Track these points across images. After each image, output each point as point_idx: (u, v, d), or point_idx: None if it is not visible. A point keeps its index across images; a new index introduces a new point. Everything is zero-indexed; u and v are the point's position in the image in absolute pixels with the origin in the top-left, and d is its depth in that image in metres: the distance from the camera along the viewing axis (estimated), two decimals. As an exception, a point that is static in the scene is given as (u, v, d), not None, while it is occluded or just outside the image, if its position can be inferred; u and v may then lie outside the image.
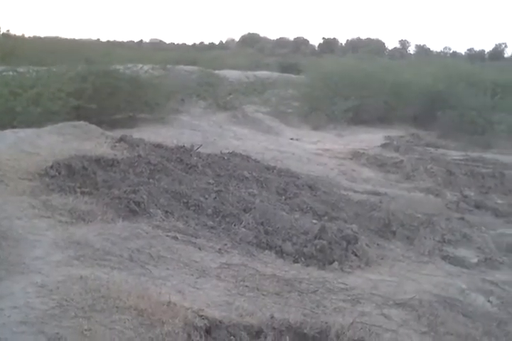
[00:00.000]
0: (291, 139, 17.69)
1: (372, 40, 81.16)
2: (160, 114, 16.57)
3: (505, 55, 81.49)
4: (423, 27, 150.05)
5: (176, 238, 6.62)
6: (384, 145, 17.27)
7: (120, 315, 4.40)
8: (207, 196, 8.45)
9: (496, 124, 21.58)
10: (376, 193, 12.07)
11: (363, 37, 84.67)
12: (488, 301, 6.76)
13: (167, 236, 6.62)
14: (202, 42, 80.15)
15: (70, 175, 8.09)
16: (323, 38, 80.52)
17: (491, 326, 5.87)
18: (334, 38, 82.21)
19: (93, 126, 11.25)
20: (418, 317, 5.70)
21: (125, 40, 66.10)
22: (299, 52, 68.68)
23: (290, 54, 62.21)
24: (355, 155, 15.61)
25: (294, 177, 11.24)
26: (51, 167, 8.10)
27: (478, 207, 12.27)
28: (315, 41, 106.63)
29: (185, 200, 8.04)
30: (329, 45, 75.26)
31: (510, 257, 9.44)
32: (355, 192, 11.87)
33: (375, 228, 9.47)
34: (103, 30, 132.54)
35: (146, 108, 16.54)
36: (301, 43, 78.66)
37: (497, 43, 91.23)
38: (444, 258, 8.75)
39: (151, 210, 7.33)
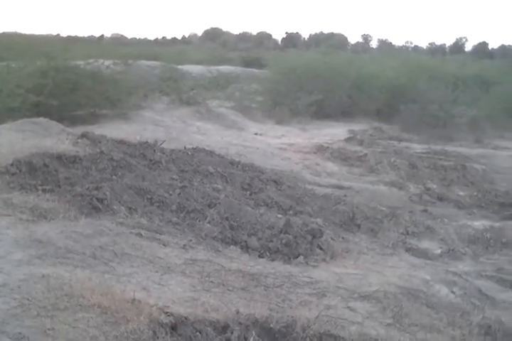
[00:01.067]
0: (255, 134, 17.68)
1: (335, 34, 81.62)
2: (122, 110, 16.37)
3: (466, 49, 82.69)
4: (385, 21, 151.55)
5: (140, 235, 6.55)
6: (348, 139, 17.38)
7: (84, 313, 4.33)
8: (171, 192, 8.38)
9: (457, 117, 21.88)
10: (340, 187, 12.14)
11: (326, 31, 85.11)
12: (452, 292, 6.84)
13: (131, 233, 6.55)
14: (164, 37, 79.70)
15: (31, 173, 7.94)
16: (286, 33, 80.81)
17: (455, 316, 5.93)
18: (297, 33, 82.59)
19: (54, 123, 11.08)
20: (383, 309, 5.74)
21: (86, 35, 65.31)
22: (262, 46, 68.75)
23: (253, 48, 62.22)
24: (320, 150, 15.66)
25: (259, 172, 11.23)
26: (11, 164, 7.94)
27: (440, 199, 12.44)
28: (278, 36, 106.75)
29: (149, 196, 7.96)
30: (292, 40, 75.48)
31: (473, 248, 9.59)
32: (320, 186, 11.92)
33: (339, 221, 9.52)
34: (63, 25, 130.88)
35: (107, 104, 16.33)
36: (264, 38, 78.71)
37: (458, 37, 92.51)
38: (408, 250, 8.85)
39: (115, 207, 7.24)
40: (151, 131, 13.96)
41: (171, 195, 8.27)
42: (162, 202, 7.94)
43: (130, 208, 7.40)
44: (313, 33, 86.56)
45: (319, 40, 72.41)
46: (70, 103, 15.26)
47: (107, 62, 17.69)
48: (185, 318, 4.59)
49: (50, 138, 10.09)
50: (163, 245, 6.49)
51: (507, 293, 7.49)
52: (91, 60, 17.21)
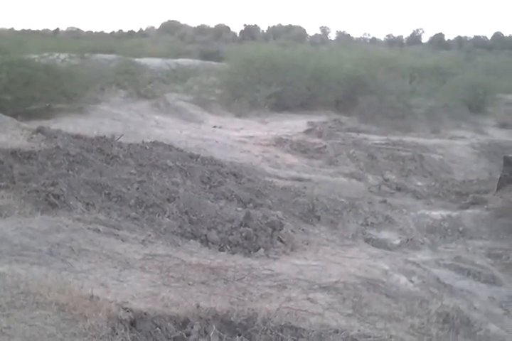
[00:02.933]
0: (215, 127, 17.60)
1: (294, 26, 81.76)
2: (78, 104, 16.12)
3: (423, 41, 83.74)
4: (343, 14, 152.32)
5: (97, 230, 6.46)
6: (307, 132, 17.42)
7: (41, 310, 4.25)
8: (129, 187, 8.29)
9: (414, 108, 22.13)
10: (300, 179, 12.18)
11: (284, 23, 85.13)
12: (410, 281, 6.92)
13: (88, 228, 6.45)
14: (121, 30, 78.85)
15: (-15, 169, 7.78)
16: (245, 25, 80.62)
17: (414, 305, 6.00)
18: (255, 25, 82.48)
19: (8, 118, 10.87)
20: (343, 300, 5.77)
21: (41, 29, 64.31)
22: (221, 39, 68.51)
23: (211, 41, 61.95)
24: (279, 142, 15.68)
25: (218, 165, 11.19)
26: (-36, 161, 7.77)
27: (399, 189, 12.59)
28: (236, 28, 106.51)
29: (106, 191, 7.86)
30: (250, 32, 75.39)
31: (431, 237, 9.73)
32: (280, 178, 11.94)
33: (299, 213, 9.55)
34: (17, 19, 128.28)
35: (63, 98, 16.06)
36: (222, 30, 78.39)
37: (415, 29, 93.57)
38: (368, 240, 8.94)
39: (71, 203, 7.13)
40: (108, 125, 13.78)
41: (129, 189, 8.17)
42: (120, 197, 7.85)
43: (87, 204, 7.29)
44: (271, 25, 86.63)
45: (278, 33, 72.52)
46: (25, 97, 14.99)
47: (62, 56, 17.41)
48: (145, 314, 4.54)
49: (4, 133, 9.88)
50: (122, 240, 6.42)
51: (464, 281, 7.63)
52: (46, 54, 16.90)
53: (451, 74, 28.55)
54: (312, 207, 9.85)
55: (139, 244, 6.46)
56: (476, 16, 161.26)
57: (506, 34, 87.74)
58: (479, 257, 8.70)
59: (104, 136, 10.92)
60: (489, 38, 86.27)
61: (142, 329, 4.41)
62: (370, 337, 5.00)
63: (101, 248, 6.02)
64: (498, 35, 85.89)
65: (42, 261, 5.37)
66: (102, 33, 72.02)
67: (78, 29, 72.84)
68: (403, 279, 6.91)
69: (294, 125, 18.63)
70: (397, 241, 9.33)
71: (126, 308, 4.50)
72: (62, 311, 4.29)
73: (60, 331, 4.04)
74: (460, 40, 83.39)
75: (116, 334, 4.16)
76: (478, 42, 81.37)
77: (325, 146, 15.35)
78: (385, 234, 9.62)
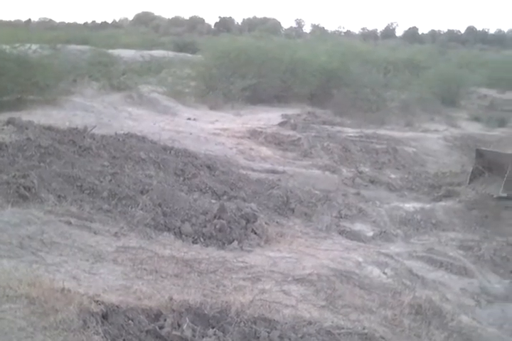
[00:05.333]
0: (189, 119, 17.49)
1: (269, 19, 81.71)
2: (50, 96, 15.86)
3: (397, 34, 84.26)
4: (318, 6, 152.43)
5: (69, 223, 6.40)
6: (281, 124, 17.37)
7: (10, 304, 4.19)
8: (102, 179, 8.21)
9: (388, 101, 22.23)
10: (274, 171, 12.17)
11: (259, 16, 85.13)
12: (384, 273, 6.96)
13: (60, 221, 6.38)
14: (94, 21, 78.03)
15: (-46, 161, 7.66)
16: (220, 17, 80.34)
17: (387, 297, 6.04)
18: (230, 17, 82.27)
19: (-22, 109, 10.71)
20: (317, 292, 5.79)
21: (12, 20, 63.44)
22: (195, 31, 68.26)
23: (186, 33, 61.66)
24: (253, 134, 15.63)
25: (192, 157, 11.13)
26: None
27: (372, 182, 12.64)
28: (211, 20, 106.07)
29: (78, 184, 7.77)
30: (225, 24, 75.15)
31: (404, 230, 9.80)
32: (254, 170, 11.92)
33: (273, 206, 9.55)
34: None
35: (35, 89, 15.78)
36: (196, 22, 78.07)
37: (389, 23, 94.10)
38: (341, 233, 8.97)
39: (43, 195, 7.05)
40: (81, 117, 13.61)
41: (101, 181, 8.09)
42: (93, 189, 7.77)
43: (59, 196, 7.21)
44: (246, 17, 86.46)
45: (253, 25, 72.40)
46: (-5, 88, 14.74)
47: (34, 47, 17.14)
48: (117, 307, 4.51)
49: (-26, 124, 9.74)
50: (94, 233, 6.37)
51: (436, 273, 7.70)
52: (17, 45, 16.61)
53: (424, 68, 28.74)
54: (286, 200, 9.86)
55: (112, 237, 6.41)
56: (449, 10, 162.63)
57: (479, 28, 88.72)
58: (451, 249, 8.77)
59: (77, 128, 10.80)
60: (463, 31, 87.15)
61: (114, 322, 4.37)
62: (343, 328, 5.03)
63: (73, 241, 5.97)
64: (471, 29, 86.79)
65: (12, 254, 5.30)
66: (74, 23, 71.15)
67: (50, 20, 72.10)
68: (376, 271, 6.96)
69: (268, 117, 18.58)
70: (371, 233, 9.38)
71: (97, 301, 4.46)
72: (32, 304, 4.23)
73: (31, 324, 3.99)
74: (434, 34, 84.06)
75: (88, 327, 4.12)
76: (452, 36, 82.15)
77: (299, 139, 15.33)
78: (358, 226, 9.66)
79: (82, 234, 6.23)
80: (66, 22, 73.08)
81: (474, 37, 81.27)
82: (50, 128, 10.44)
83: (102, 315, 4.36)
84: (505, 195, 10.78)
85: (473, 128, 20.45)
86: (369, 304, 5.75)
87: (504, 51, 56.11)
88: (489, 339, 5.90)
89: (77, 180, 7.87)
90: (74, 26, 62.72)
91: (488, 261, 8.42)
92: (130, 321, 4.44)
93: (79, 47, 26.30)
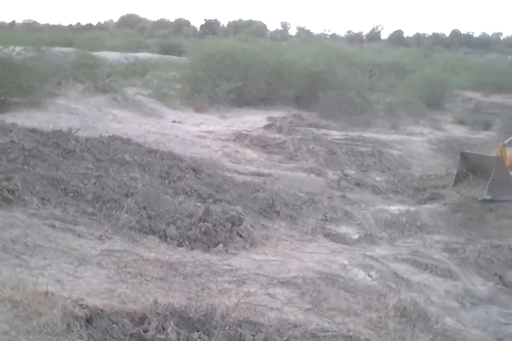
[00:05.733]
0: (174, 122, 17.46)
1: (254, 21, 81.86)
2: (35, 98, 15.76)
3: (382, 37, 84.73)
4: (303, 9, 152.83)
5: (53, 226, 6.34)
6: (267, 127, 17.39)
7: (-6, 308, 4.16)
8: (86, 181, 8.15)
9: (374, 104, 22.32)
10: (260, 174, 12.17)
11: (245, 18, 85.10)
12: (369, 275, 6.97)
13: (44, 224, 6.33)
14: (79, 23, 77.86)
15: None
16: (205, 19, 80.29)
17: (372, 299, 6.05)
18: (216, 20, 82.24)
19: (-39, 112, 10.63)
20: (302, 295, 5.79)
21: (-4, 22, 63.10)
22: (181, 33, 68.24)
23: (171, 35, 61.61)
24: (239, 137, 15.63)
25: (178, 160, 11.10)
26: None
27: (358, 184, 12.67)
28: (197, 22, 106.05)
29: (63, 186, 7.72)
30: (211, 27, 75.13)
31: (389, 232, 9.82)
32: (240, 173, 11.91)
33: (259, 209, 9.54)
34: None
35: (19, 91, 15.68)
36: (182, 24, 78.03)
37: (374, 26, 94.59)
38: (327, 235, 8.97)
39: (27, 198, 6.98)
40: (65, 120, 13.54)
41: (86, 184, 8.04)
42: (77, 192, 7.72)
43: (43, 199, 7.15)
44: (232, 20, 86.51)
45: (238, 27, 72.41)
46: (-21, 91, 14.65)
47: (18, 49, 17.02)
48: (101, 310, 4.48)
49: (-43, 127, 9.66)
50: (78, 236, 6.32)
51: (421, 275, 7.72)
52: (1, 47, 16.50)
53: (409, 71, 28.90)
54: (272, 202, 9.85)
55: (96, 240, 6.36)
56: (434, 14, 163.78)
57: (464, 31, 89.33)
58: (436, 251, 8.80)
59: (61, 130, 10.72)
60: (447, 35, 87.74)
61: (98, 326, 4.35)
62: (328, 331, 5.02)
63: (57, 244, 5.92)
64: (456, 33, 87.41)
65: (-5, 258, 5.25)
66: (59, 25, 70.82)
67: (35, 22, 71.77)
68: (361, 274, 6.96)
69: (254, 120, 18.60)
70: (356, 236, 9.40)
71: (81, 305, 4.42)
72: (16, 308, 4.20)
73: (14, 328, 3.96)
74: (419, 37, 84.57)
75: (72, 331, 4.09)
76: (437, 39, 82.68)
77: (285, 141, 15.35)
78: (344, 229, 9.67)
79: (66, 237, 6.18)
80: (51, 24, 72.80)
81: (459, 40, 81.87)
82: (34, 131, 10.36)
83: (86, 318, 4.33)
84: (489, 197, 10.84)
85: (458, 131, 20.59)
86: (354, 307, 5.76)
87: (489, 54, 56.63)
88: (473, 342, 5.92)
89: (61, 182, 7.81)
90: (59, 28, 62.45)
91: (472, 263, 8.45)
92: (114, 325, 4.41)
93: (63, 49, 26.20)
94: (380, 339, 5.21)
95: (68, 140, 10.14)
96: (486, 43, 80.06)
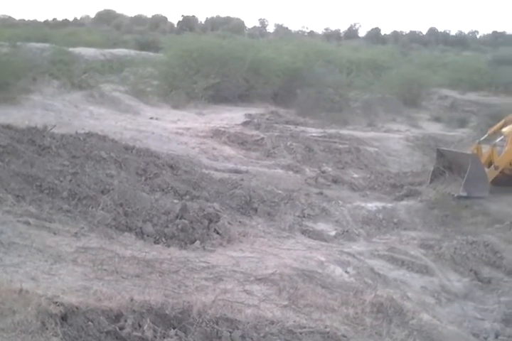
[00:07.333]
0: (151, 118, 17.39)
1: (232, 18, 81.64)
2: (10, 94, 15.59)
3: (360, 35, 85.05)
4: (281, 6, 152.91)
5: (28, 223, 6.27)
6: (245, 124, 17.38)
7: (-34, 306, 4.10)
8: (62, 178, 8.07)
9: (351, 101, 22.39)
10: (237, 171, 12.16)
11: (223, 15, 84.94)
12: (346, 272, 6.99)
13: (18, 221, 6.26)
14: (55, 19, 77.00)
15: None
16: (183, 16, 79.83)
17: (349, 296, 6.07)
18: (193, 16, 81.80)
19: None
20: (279, 291, 5.79)
21: (-30, 17, 62.33)
22: (158, 29, 67.84)
23: (148, 31, 61.28)
24: (216, 134, 15.60)
25: (154, 156, 11.02)
26: None
27: (335, 181, 12.70)
28: (174, 19, 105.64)
29: (38, 183, 7.63)
30: (189, 23, 74.64)
31: (366, 229, 9.86)
32: (217, 170, 11.89)
33: (236, 206, 9.53)
34: None
35: (-7, 87, 15.56)
36: (159, 21, 77.59)
37: (352, 23, 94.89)
38: (304, 232, 8.99)
39: (1, 195, 6.89)
40: (40, 116, 13.41)
41: (61, 181, 7.96)
42: (52, 189, 7.63)
43: (18, 196, 7.07)
44: (209, 16, 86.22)
45: (216, 24, 72.27)
46: (-47, 86, 14.46)
47: (-8, 44, 16.87)
48: (76, 308, 4.43)
49: None
50: (54, 233, 6.26)
51: (398, 271, 7.77)
52: (-26, 42, 16.34)
53: (387, 68, 29.00)
54: (249, 199, 9.84)
55: (72, 237, 6.31)
56: (411, 12, 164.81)
57: (441, 29, 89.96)
58: (413, 248, 8.85)
59: (36, 127, 10.59)
60: (424, 33, 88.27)
61: (73, 323, 4.31)
62: (305, 327, 5.03)
63: (31, 241, 5.85)
64: (433, 31, 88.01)
65: (-31, 255, 5.19)
66: (35, 21, 70.19)
67: (10, 17, 70.83)
68: (338, 270, 6.99)
69: (231, 117, 18.58)
70: (333, 233, 9.42)
71: (56, 302, 4.38)
72: (-11, 306, 4.15)
73: (-13, 327, 3.91)
74: (396, 35, 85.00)
75: (47, 329, 4.05)
76: (414, 37, 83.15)
77: (262, 138, 15.35)
78: (321, 226, 9.69)
79: (41, 235, 6.12)
80: (26, 19, 72.10)
81: (436, 38, 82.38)
82: (8, 127, 10.22)
83: (61, 316, 4.29)
84: (465, 194, 10.95)
85: (435, 129, 20.71)
86: (331, 303, 5.77)
87: (465, 52, 57.05)
88: (449, 337, 5.96)
89: (36, 179, 7.72)
90: (34, 24, 61.84)
91: (448, 259, 8.51)
92: (90, 322, 4.37)
93: (39, 45, 25.95)
94: (357, 335, 5.23)
95: (44, 136, 10.03)
96: (462, 41, 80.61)
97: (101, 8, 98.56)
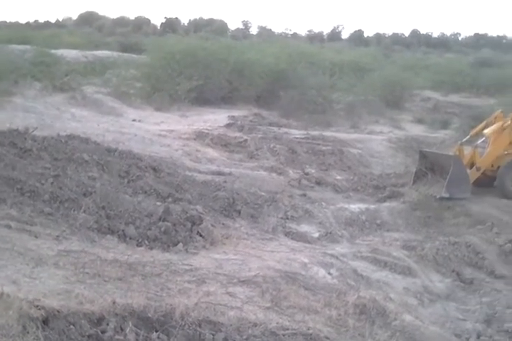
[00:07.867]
0: (134, 120, 17.33)
1: (215, 20, 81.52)
2: (-10, 97, 15.54)
3: (343, 37, 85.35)
4: (265, 8, 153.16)
5: (9, 226, 6.23)
6: (228, 126, 17.38)
7: None
8: (43, 181, 8.00)
9: (334, 103, 22.46)
10: (221, 173, 12.13)
11: (206, 17, 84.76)
12: (329, 273, 7.00)
13: (-1, 224, 6.22)
14: (36, 21, 76.40)
15: None
16: (165, 18, 79.59)
17: (331, 297, 6.08)
18: (176, 18, 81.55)
19: None
20: (262, 293, 5.79)
21: (-51, 19, 61.81)
22: (141, 31, 67.57)
23: (131, 33, 61.07)
24: (200, 136, 15.58)
25: (137, 159, 10.97)
26: None
27: (319, 183, 12.72)
28: (157, 21, 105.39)
29: (19, 186, 7.57)
30: (171, 25, 74.42)
31: (349, 230, 9.88)
32: (200, 172, 11.86)
33: (219, 208, 9.50)
34: None
35: (-26, 90, 15.46)
36: (142, 22, 77.25)
37: (335, 25, 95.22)
38: (287, 234, 8.99)
39: (-19, 198, 6.85)
40: (22, 118, 13.31)
41: (43, 184, 7.90)
42: (34, 191, 7.57)
43: (-2, 199, 7.02)
44: (192, 18, 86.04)
45: (199, 26, 72.16)
46: None
47: (-27, 46, 16.74)
48: (58, 311, 4.41)
49: None
50: (35, 237, 6.22)
51: (381, 273, 7.78)
52: (-46, 44, 16.20)
53: (369, 70, 29.11)
54: (232, 201, 9.82)
55: (53, 240, 6.27)
56: (394, 14, 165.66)
57: (423, 32, 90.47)
58: (395, 249, 8.87)
59: (17, 129, 10.49)
60: (407, 35, 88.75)
61: (55, 327, 4.28)
62: (288, 329, 5.04)
63: (12, 244, 5.81)
64: (415, 33, 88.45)
65: (-52, 259, 5.13)
66: (16, 23, 69.54)
67: (-10, 19, 70.39)
68: (322, 272, 7.00)
69: (214, 119, 18.57)
70: (317, 235, 9.43)
71: (38, 306, 4.35)
72: (-31, 310, 4.11)
73: (-33, 331, 3.87)
74: (379, 37, 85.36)
75: (28, 332, 4.03)
76: (396, 39, 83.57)
77: (246, 140, 15.35)
78: (304, 228, 9.69)
79: (23, 238, 6.08)
80: (7, 21, 71.48)
81: (418, 40, 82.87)
82: (-11, 130, 10.16)
83: (43, 320, 4.26)
84: (447, 195, 11.00)
85: (417, 130, 20.83)
86: (314, 304, 5.78)
87: (447, 54, 57.46)
88: (431, 338, 5.99)
89: (17, 182, 7.65)
90: (16, 26, 61.30)
91: (430, 260, 8.54)
92: (71, 326, 4.35)
93: (20, 46, 25.79)
94: (340, 337, 5.24)
95: (25, 139, 9.95)
96: (444, 43, 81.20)
97: (83, 10, 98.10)
